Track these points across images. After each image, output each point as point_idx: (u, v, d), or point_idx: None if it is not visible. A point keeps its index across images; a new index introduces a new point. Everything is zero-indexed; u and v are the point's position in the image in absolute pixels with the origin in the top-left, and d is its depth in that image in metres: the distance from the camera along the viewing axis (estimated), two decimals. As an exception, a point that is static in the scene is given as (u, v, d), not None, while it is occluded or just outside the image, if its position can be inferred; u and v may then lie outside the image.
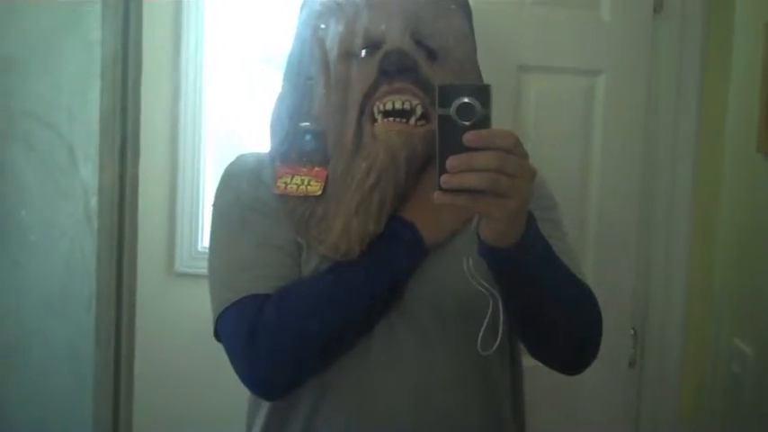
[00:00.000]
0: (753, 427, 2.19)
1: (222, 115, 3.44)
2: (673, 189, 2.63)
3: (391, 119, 1.54)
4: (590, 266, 2.48)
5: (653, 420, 2.69)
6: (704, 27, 2.58)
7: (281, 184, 1.60)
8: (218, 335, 1.60)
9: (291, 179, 1.60)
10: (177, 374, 3.26)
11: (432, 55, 1.60)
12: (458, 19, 1.66)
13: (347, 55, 1.59)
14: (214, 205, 1.69)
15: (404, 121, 1.54)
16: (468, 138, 1.24)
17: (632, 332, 2.67)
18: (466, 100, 1.26)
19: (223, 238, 1.65)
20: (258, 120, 2.90)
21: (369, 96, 1.56)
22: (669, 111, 2.61)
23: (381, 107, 1.54)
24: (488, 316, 1.46)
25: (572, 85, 2.56)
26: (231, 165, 1.71)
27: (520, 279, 1.42)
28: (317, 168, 1.59)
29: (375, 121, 1.55)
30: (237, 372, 1.55)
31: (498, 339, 1.47)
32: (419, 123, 1.54)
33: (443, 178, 1.24)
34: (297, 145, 1.63)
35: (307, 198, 1.58)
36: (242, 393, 1.64)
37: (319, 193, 1.57)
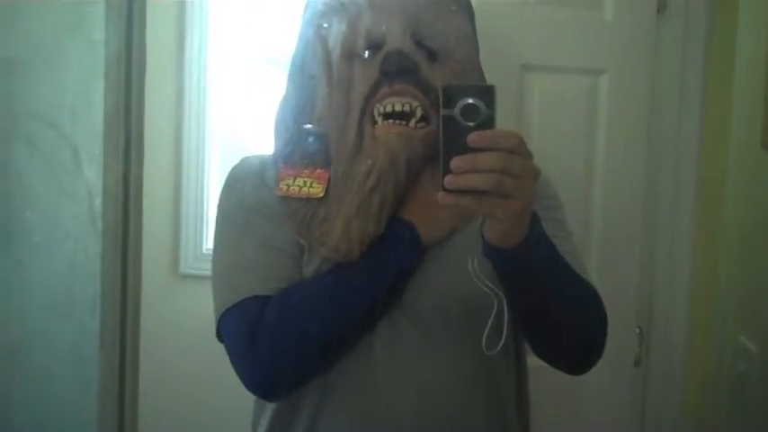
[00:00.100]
0: (759, 425, 2.19)
1: (226, 116, 3.44)
2: (677, 187, 2.63)
3: (391, 121, 1.54)
4: (594, 265, 2.49)
5: (658, 419, 2.68)
6: (707, 26, 2.57)
7: (283, 186, 1.60)
8: (220, 336, 1.61)
9: (294, 181, 1.60)
10: (182, 376, 3.25)
11: (432, 56, 1.60)
12: (459, 19, 1.66)
13: (350, 56, 1.60)
14: (218, 207, 1.69)
15: (404, 123, 1.54)
16: (473, 138, 1.24)
17: (637, 331, 2.67)
18: (470, 101, 1.26)
19: (226, 240, 1.65)
20: (262, 121, 2.91)
21: (369, 98, 1.56)
22: (672, 110, 2.61)
23: (381, 109, 1.55)
24: (492, 316, 1.46)
25: (575, 84, 2.57)
26: (236, 167, 1.72)
27: (524, 279, 1.42)
28: (318, 170, 1.59)
29: (375, 123, 1.55)
30: (238, 373, 1.55)
31: (503, 340, 1.48)
32: (419, 125, 1.55)
33: (447, 179, 1.24)
34: (300, 147, 1.63)
35: (309, 200, 1.58)
36: (247, 395, 1.64)
37: (321, 195, 1.57)
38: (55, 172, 1.91)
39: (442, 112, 1.27)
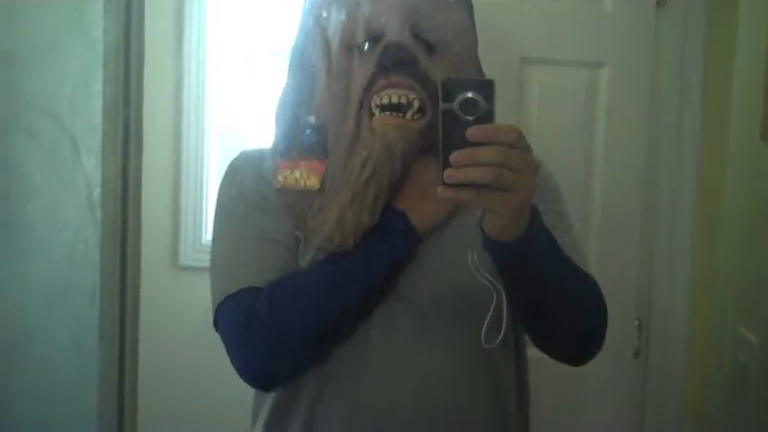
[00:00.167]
0: (759, 416, 2.19)
1: (225, 108, 3.44)
2: (676, 180, 2.63)
3: (388, 113, 1.54)
4: (594, 258, 2.49)
5: (658, 411, 2.68)
6: (707, 18, 2.57)
7: (280, 178, 1.61)
8: (217, 327, 1.61)
9: (291, 173, 1.60)
10: (181, 367, 3.26)
11: (430, 49, 1.60)
12: (457, 12, 1.66)
13: (349, 47, 1.60)
14: (218, 200, 1.70)
15: (400, 115, 1.54)
16: (472, 132, 1.24)
17: (637, 323, 2.67)
18: (469, 95, 1.25)
19: (224, 232, 1.65)
20: (261, 112, 2.91)
21: (367, 90, 1.56)
22: (672, 103, 2.60)
23: (379, 101, 1.55)
24: (492, 309, 1.46)
25: (575, 77, 2.57)
26: (235, 160, 1.72)
27: (524, 272, 1.42)
28: (315, 162, 1.60)
29: (373, 115, 1.56)
30: (234, 363, 1.56)
31: (501, 333, 1.48)
32: (416, 117, 1.55)
33: (447, 173, 1.24)
34: (297, 139, 1.63)
35: (305, 192, 1.58)
36: (247, 386, 1.64)
37: (317, 187, 1.58)
38: (54, 163, 1.91)
39: (442, 106, 1.26)
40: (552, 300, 1.48)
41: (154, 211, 3.07)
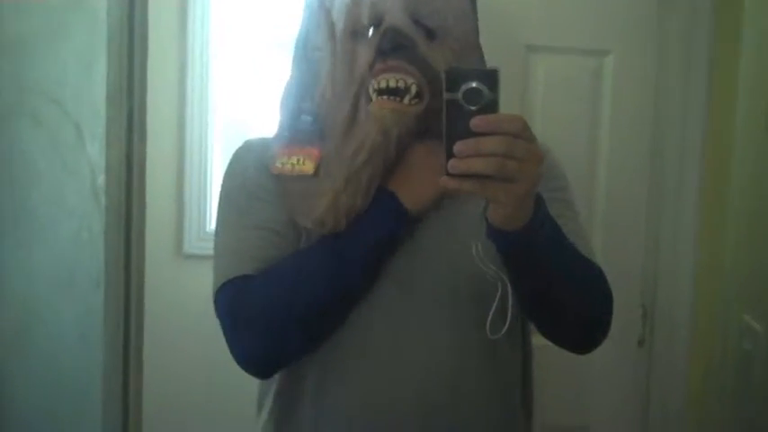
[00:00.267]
0: (764, 403, 2.19)
1: (229, 96, 3.43)
2: (681, 167, 2.62)
3: (385, 97, 1.54)
4: (599, 246, 2.47)
5: (663, 398, 2.69)
6: (712, 5, 2.56)
7: (278, 164, 1.61)
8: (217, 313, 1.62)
9: (288, 159, 1.60)
10: (186, 355, 3.26)
11: (430, 34, 1.60)
12: None
13: (352, 32, 1.60)
14: (221, 188, 1.70)
15: (398, 99, 1.54)
16: (475, 123, 1.23)
17: (641, 311, 2.67)
18: (474, 84, 1.25)
19: (227, 221, 1.66)
20: (265, 102, 2.91)
21: (367, 74, 1.56)
22: (677, 90, 2.60)
23: (376, 85, 1.55)
24: (497, 300, 1.46)
25: (580, 64, 2.57)
26: (239, 149, 1.72)
27: (528, 261, 1.42)
28: (310, 148, 1.59)
29: (371, 99, 1.55)
30: (231, 350, 1.56)
31: (507, 324, 1.47)
32: (413, 102, 1.55)
33: (451, 163, 1.24)
34: (296, 126, 1.63)
35: (300, 177, 1.58)
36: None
37: (311, 172, 1.57)
38: (58, 149, 1.91)
39: (445, 95, 1.26)
40: (557, 288, 1.48)
41: (158, 200, 3.07)
